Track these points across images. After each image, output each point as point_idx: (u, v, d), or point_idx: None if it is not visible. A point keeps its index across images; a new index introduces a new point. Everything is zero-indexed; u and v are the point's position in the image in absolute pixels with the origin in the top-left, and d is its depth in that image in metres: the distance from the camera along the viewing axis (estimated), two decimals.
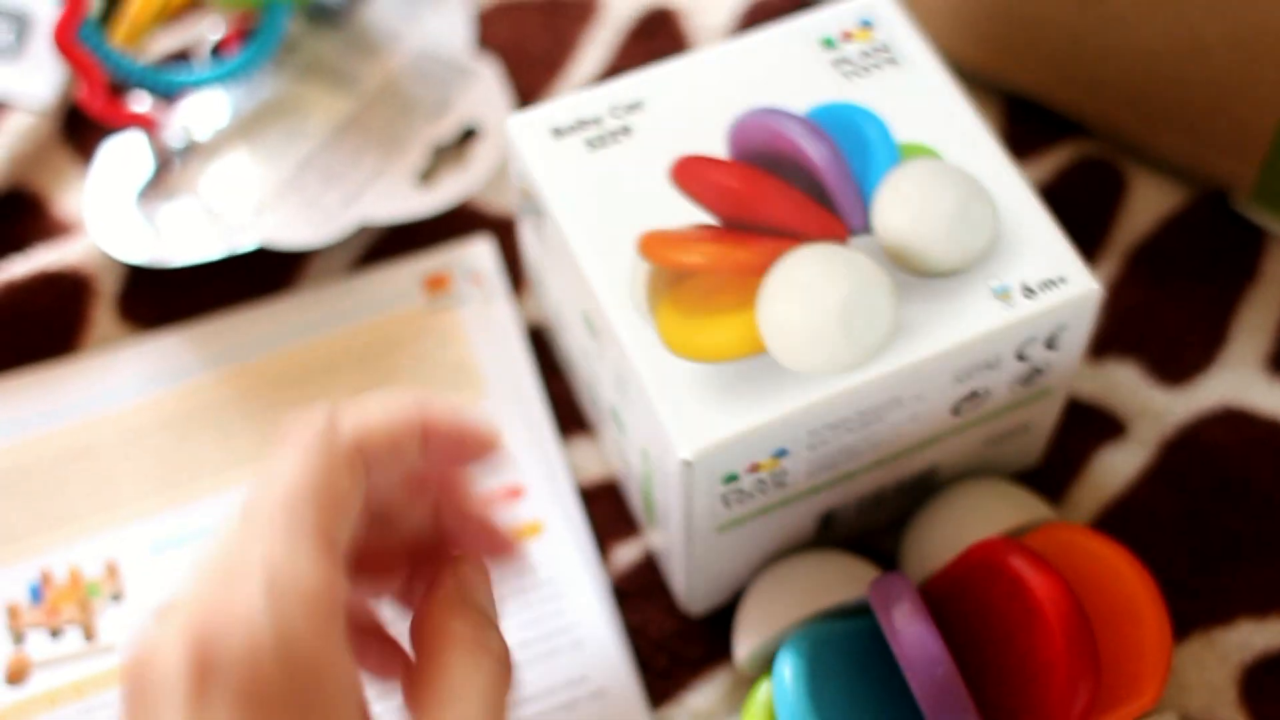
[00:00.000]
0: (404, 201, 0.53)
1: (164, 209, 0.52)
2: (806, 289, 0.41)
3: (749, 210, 0.43)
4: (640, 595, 0.48)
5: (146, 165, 0.53)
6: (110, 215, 0.52)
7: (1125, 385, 0.51)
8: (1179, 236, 0.53)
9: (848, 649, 0.42)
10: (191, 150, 0.54)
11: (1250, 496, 0.49)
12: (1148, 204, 0.54)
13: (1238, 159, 0.51)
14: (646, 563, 0.48)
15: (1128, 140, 0.54)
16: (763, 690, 0.43)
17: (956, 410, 0.43)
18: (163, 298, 0.53)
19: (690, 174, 0.44)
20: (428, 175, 0.54)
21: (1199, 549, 0.48)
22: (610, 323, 0.42)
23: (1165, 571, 0.47)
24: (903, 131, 0.44)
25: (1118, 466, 0.49)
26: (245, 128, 0.54)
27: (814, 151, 0.44)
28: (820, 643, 0.42)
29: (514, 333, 0.52)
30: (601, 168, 0.44)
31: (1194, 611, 0.47)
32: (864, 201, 0.43)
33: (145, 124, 0.54)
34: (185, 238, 0.52)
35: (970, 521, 0.45)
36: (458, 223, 0.55)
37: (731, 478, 0.41)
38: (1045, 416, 0.46)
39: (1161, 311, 0.52)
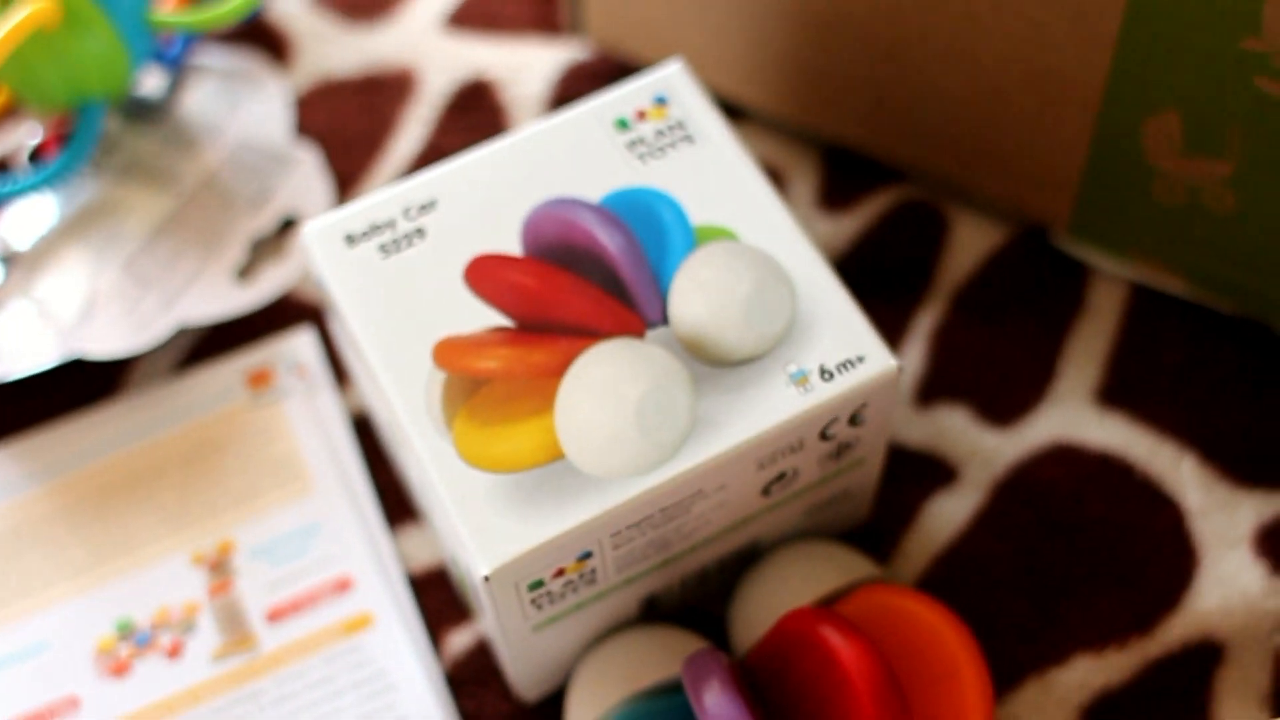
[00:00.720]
0: (223, 300, 0.52)
1: None
2: (602, 390, 0.41)
3: (544, 309, 0.43)
4: (475, 682, 0.48)
5: None
6: None
7: (954, 429, 0.51)
8: (1002, 274, 0.54)
9: None
10: (14, 259, 0.53)
11: (1082, 532, 0.49)
12: (970, 244, 0.54)
13: (1052, 196, 0.52)
14: (479, 649, 0.48)
15: (946, 182, 0.54)
16: None
17: (766, 491, 0.44)
18: None
19: (483, 274, 0.43)
20: (246, 270, 0.53)
21: (1033, 589, 0.48)
22: (407, 435, 0.42)
23: (1000, 614, 0.48)
24: (699, 213, 0.44)
25: (949, 513, 0.50)
26: (67, 233, 0.54)
27: (608, 241, 0.44)
28: None
29: (339, 423, 0.52)
30: (395, 274, 0.44)
31: (1030, 655, 0.47)
32: (660, 291, 0.43)
33: None
34: (12, 350, 0.51)
35: (791, 587, 0.45)
36: (279, 315, 0.54)
37: (538, 584, 0.41)
38: (864, 481, 0.47)
39: (989, 351, 0.52)
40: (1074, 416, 0.51)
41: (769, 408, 0.41)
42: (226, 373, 0.53)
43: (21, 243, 0.53)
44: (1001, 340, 0.52)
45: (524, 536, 0.40)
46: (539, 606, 0.42)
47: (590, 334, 0.42)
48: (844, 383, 0.42)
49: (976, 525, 0.49)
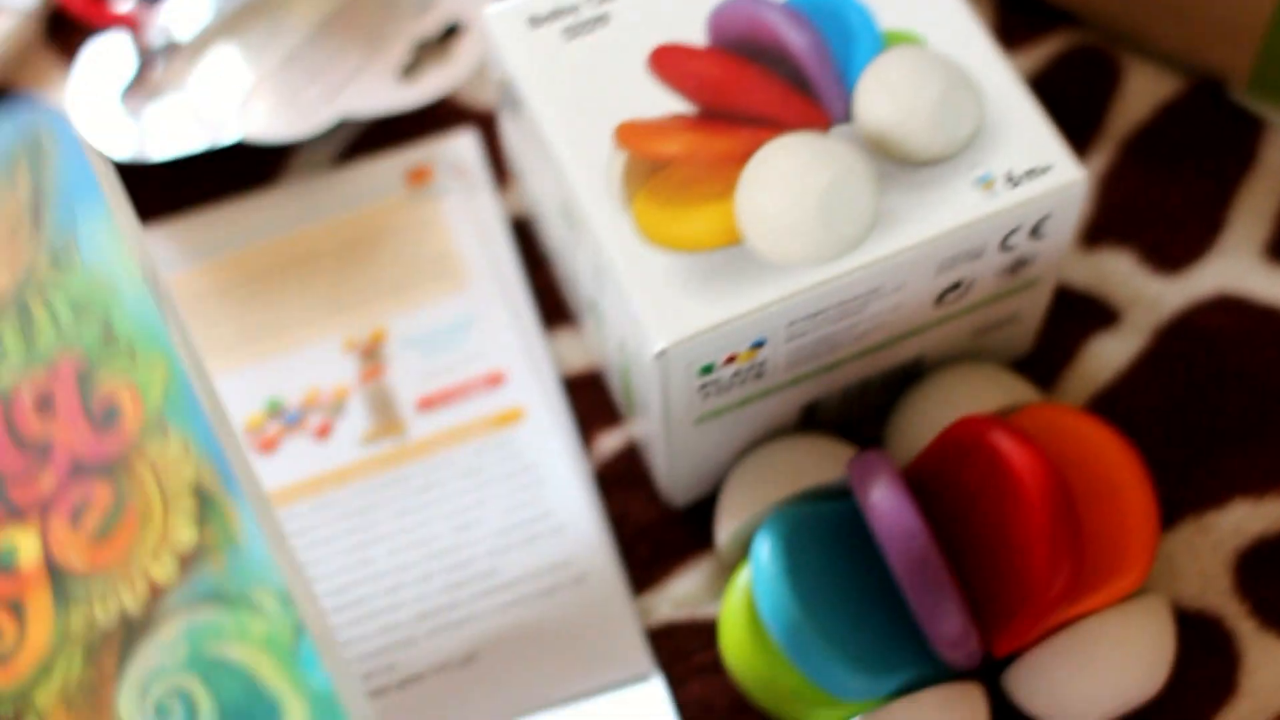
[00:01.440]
0: (386, 96, 0.52)
1: (147, 107, 0.52)
2: (786, 178, 0.41)
3: (728, 99, 0.42)
4: (622, 485, 0.47)
5: (129, 65, 0.53)
6: (94, 113, 0.52)
7: (1119, 274, 0.50)
8: (1174, 125, 0.53)
9: (828, 529, 0.42)
10: (174, 49, 0.53)
11: (1246, 382, 0.48)
12: (1142, 93, 0.53)
13: (1233, 48, 0.50)
14: (629, 452, 0.48)
15: (1121, 30, 0.53)
16: (743, 574, 0.43)
17: (940, 301, 0.43)
18: (147, 193, 0.53)
19: (669, 63, 0.43)
20: (410, 70, 0.53)
21: (1193, 434, 0.48)
22: (586, 213, 0.41)
23: (1158, 456, 0.47)
24: (887, 19, 0.44)
25: (1110, 354, 0.49)
26: (227, 26, 0.54)
27: (795, 39, 0.43)
28: (798, 523, 0.41)
29: (497, 224, 0.51)
30: (578, 57, 0.43)
31: (1187, 496, 0.47)
32: (846, 90, 0.42)
33: (128, 23, 0.53)
34: (168, 133, 0.51)
35: (955, 403, 0.44)
36: (441, 117, 0.54)
37: (708, 369, 0.41)
38: (1034, 306, 0.46)
39: (1157, 200, 0.51)
40: (1241, 269, 0.50)
41: (954, 208, 0.41)
42: (386, 167, 0.53)
43: (183, 33, 0.53)
44: (1171, 189, 0.51)
45: (701, 315, 0.40)
46: (705, 395, 0.41)
47: (773, 125, 0.42)
48: (1030, 189, 0.41)
49: (1138, 367, 0.49)
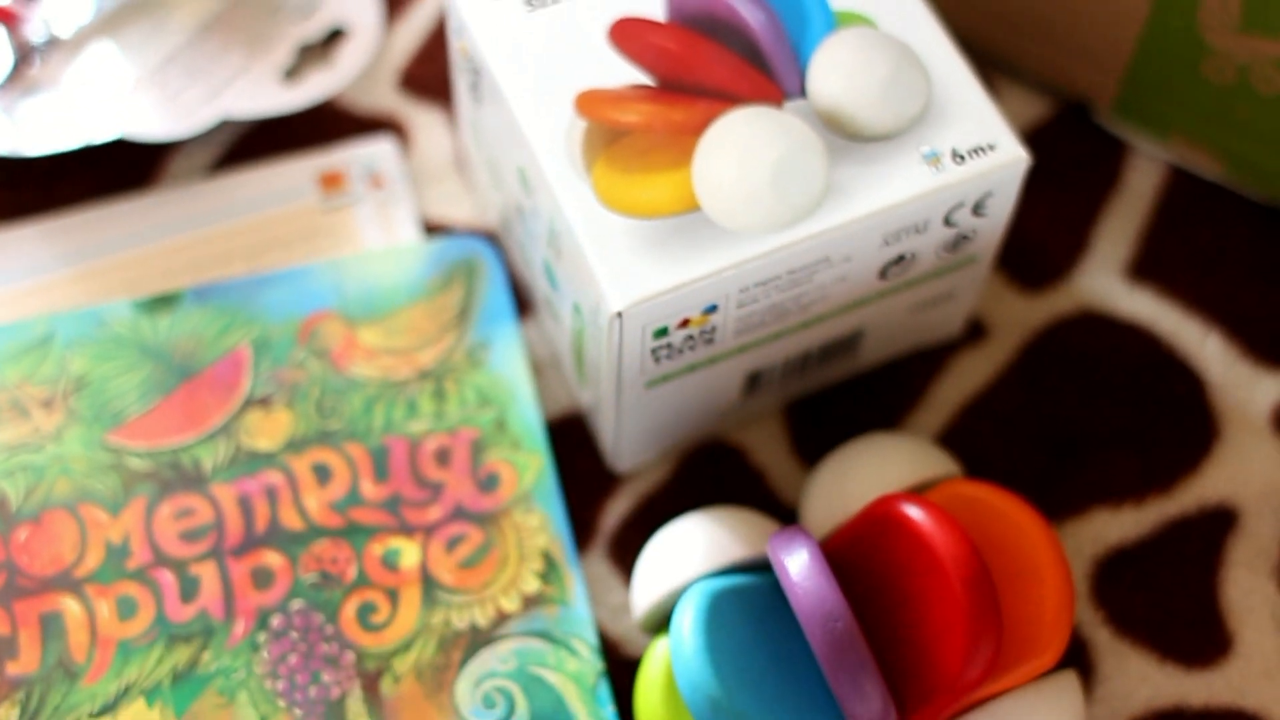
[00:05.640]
0: (269, 97, 0.52)
1: (23, 102, 0.52)
2: (741, 149, 0.42)
3: (686, 72, 0.43)
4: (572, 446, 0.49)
5: (6, 59, 0.52)
6: None
7: (988, 292, 0.51)
8: (1043, 148, 0.54)
9: (747, 602, 0.41)
10: (52, 45, 0.53)
11: (1106, 397, 0.50)
12: (1012, 116, 0.54)
13: (1100, 72, 0.52)
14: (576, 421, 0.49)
15: (991, 52, 0.54)
16: (659, 645, 0.43)
17: (884, 274, 0.44)
18: (19, 192, 0.52)
19: (628, 35, 0.44)
20: (292, 73, 0.53)
21: (1054, 446, 0.49)
22: (546, 178, 0.42)
23: (1020, 466, 0.49)
24: (839, 0, 0.45)
25: (975, 370, 0.50)
26: (108, 24, 0.53)
27: (751, 16, 0.44)
28: (719, 596, 0.41)
29: (414, 235, 0.52)
30: (540, 27, 0.44)
31: (1048, 505, 0.48)
32: (799, 67, 0.44)
33: (5, 18, 0.52)
34: (43, 129, 0.51)
35: (874, 475, 0.44)
36: (324, 124, 0.54)
37: (661, 331, 0.42)
38: (970, 285, 0.47)
39: (1022, 220, 0.53)
40: (1104, 287, 0.52)
41: (901, 182, 0.42)
42: (297, 170, 0.53)
43: (63, 29, 0.53)
44: (1037, 210, 0.53)
45: (657, 278, 0.41)
46: (657, 359, 0.43)
47: (729, 99, 0.43)
48: (975, 167, 0.43)
49: (1002, 381, 0.50)
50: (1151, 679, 0.46)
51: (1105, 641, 0.46)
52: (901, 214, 0.42)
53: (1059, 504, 0.48)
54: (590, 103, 0.43)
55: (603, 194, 0.42)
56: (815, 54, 0.44)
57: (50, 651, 0.44)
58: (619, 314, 0.40)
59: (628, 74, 0.44)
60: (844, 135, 0.43)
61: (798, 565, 0.40)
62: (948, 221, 0.44)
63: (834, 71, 0.43)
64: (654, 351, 0.42)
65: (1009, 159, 0.43)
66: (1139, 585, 0.47)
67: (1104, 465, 0.49)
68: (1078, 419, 0.49)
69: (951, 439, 0.49)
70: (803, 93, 0.43)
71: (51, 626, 0.44)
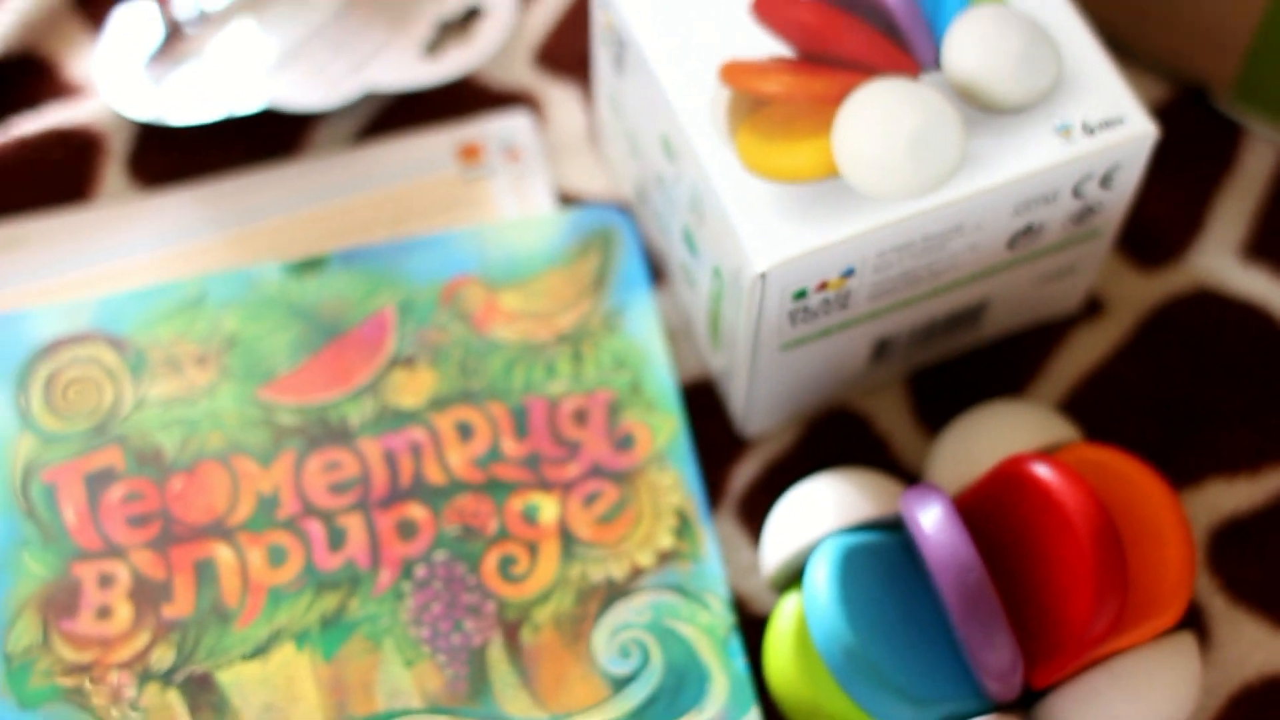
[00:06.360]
0: (410, 71, 0.54)
1: (172, 73, 0.53)
2: (880, 118, 0.43)
3: (826, 44, 0.45)
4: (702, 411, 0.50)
5: (156, 33, 0.54)
6: (120, 77, 0.53)
7: (1106, 269, 0.53)
8: (1161, 130, 0.55)
9: (878, 560, 0.43)
10: (201, 20, 0.55)
11: (1221, 371, 0.51)
12: None
13: (1220, 56, 0.53)
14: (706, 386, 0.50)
15: (1113, 36, 0.55)
16: (789, 601, 0.44)
17: (1012, 244, 0.46)
18: (171, 158, 0.54)
19: (771, 8, 0.46)
20: (433, 48, 0.55)
21: (1169, 418, 0.50)
22: (690, 142, 0.44)
23: (1135, 437, 0.50)
24: None
25: (1093, 344, 0.51)
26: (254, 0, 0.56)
27: None
28: (851, 551, 0.42)
29: (547, 202, 0.53)
30: (684, 1, 0.46)
31: (1164, 475, 0.49)
32: (935, 41, 0.45)
33: None
34: (192, 99, 0.53)
35: (998, 440, 0.45)
36: (462, 98, 0.55)
37: (801, 294, 0.43)
38: (1092, 259, 0.49)
39: (1142, 200, 0.54)
40: (1219, 266, 0.53)
41: (1034, 152, 0.44)
42: (436, 142, 0.54)
43: (212, 4, 0.55)
44: (1154, 191, 0.54)
45: (798, 241, 0.42)
46: (794, 322, 0.44)
47: (867, 70, 0.45)
48: (1105, 138, 0.44)
49: (1118, 357, 0.51)
50: (1265, 646, 0.47)
51: (1220, 609, 0.47)
52: (1033, 184, 0.44)
53: (1175, 474, 0.49)
54: (735, 73, 0.45)
55: (746, 159, 0.43)
56: (950, 28, 0.45)
57: (204, 596, 0.46)
58: (762, 275, 0.42)
59: (769, 46, 0.45)
60: (977, 107, 0.44)
61: (931, 519, 0.42)
62: (1076, 193, 0.45)
63: (969, 45, 0.45)
64: (791, 314, 0.44)
65: (1138, 132, 0.44)
66: (1254, 555, 0.48)
67: (1219, 438, 0.50)
68: (1193, 394, 0.50)
69: (1069, 411, 0.50)
70: (937, 66, 0.45)
71: (205, 572, 0.46)
